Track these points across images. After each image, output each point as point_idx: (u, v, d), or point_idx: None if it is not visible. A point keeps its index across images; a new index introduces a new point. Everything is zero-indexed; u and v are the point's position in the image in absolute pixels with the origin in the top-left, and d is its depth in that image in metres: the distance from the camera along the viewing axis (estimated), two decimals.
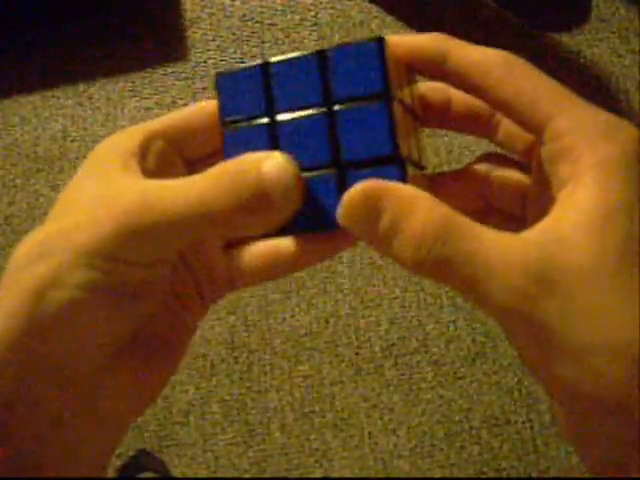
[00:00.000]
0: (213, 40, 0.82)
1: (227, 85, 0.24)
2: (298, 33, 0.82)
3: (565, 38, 0.79)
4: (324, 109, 0.23)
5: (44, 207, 0.78)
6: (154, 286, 0.23)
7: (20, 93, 0.82)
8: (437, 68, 0.24)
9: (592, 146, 0.21)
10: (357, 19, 0.81)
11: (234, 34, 0.82)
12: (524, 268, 0.19)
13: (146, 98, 0.81)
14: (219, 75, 0.24)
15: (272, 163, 0.21)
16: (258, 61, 0.23)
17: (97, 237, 0.21)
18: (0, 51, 0.83)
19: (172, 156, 0.26)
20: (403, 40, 0.24)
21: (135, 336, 0.23)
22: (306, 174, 0.23)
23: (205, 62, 0.81)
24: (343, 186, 0.22)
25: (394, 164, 0.22)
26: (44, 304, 0.20)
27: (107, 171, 0.24)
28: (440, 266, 0.20)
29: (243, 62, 0.81)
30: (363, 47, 0.22)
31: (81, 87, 0.82)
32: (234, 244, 0.27)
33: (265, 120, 0.23)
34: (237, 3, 0.83)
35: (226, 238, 0.27)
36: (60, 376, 0.21)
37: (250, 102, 0.23)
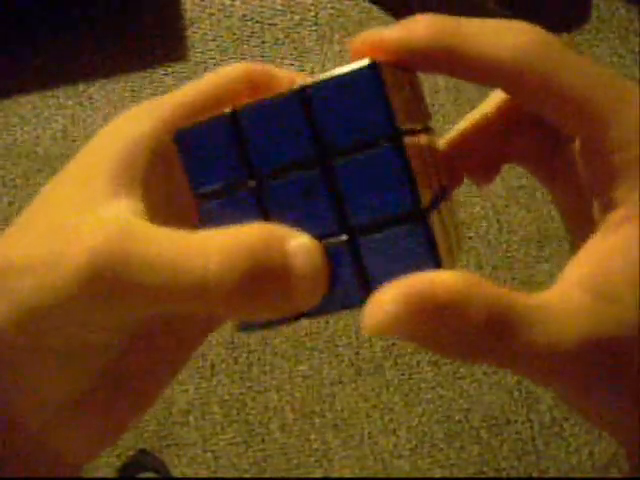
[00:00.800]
0: (213, 40, 0.82)
1: (190, 144, 0.18)
2: (298, 33, 0.82)
3: (565, 38, 0.79)
4: (318, 164, 0.17)
5: None
6: (115, 344, 0.19)
7: (20, 93, 0.82)
8: (441, 64, 0.19)
9: None
10: (357, 19, 0.81)
11: (234, 34, 0.82)
12: (581, 340, 0.16)
13: (146, 98, 0.81)
14: (178, 132, 0.18)
15: (299, 243, 0.17)
16: (226, 110, 0.18)
17: (41, 291, 0.16)
18: (0, 51, 0.83)
19: None
20: (389, 37, 0.19)
21: (102, 377, 0.20)
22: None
23: (205, 62, 0.81)
24: (358, 255, 0.17)
25: (415, 222, 0.17)
26: None
27: (91, 176, 0.18)
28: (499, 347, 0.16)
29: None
30: (352, 77, 0.17)
31: (81, 87, 0.82)
32: None
33: (248, 186, 0.18)
34: (237, 3, 0.83)
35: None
36: (8, 417, 0.18)
37: (223, 165, 0.18)
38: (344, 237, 0.17)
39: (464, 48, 0.18)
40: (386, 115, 0.17)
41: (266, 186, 0.18)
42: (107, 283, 0.16)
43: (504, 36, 0.19)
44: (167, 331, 0.21)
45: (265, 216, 0.18)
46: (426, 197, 0.17)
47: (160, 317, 0.21)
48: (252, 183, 0.18)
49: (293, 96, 0.17)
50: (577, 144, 0.19)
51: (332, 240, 0.17)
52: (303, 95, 0.17)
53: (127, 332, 0.19)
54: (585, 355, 0.16)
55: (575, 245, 0.21)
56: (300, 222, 0.17)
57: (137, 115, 0.20)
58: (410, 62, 0.19)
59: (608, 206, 0.18)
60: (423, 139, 0.19)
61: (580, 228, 0.20)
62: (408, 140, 0.17)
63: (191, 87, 0.21)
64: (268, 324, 0.18)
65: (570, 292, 0.17)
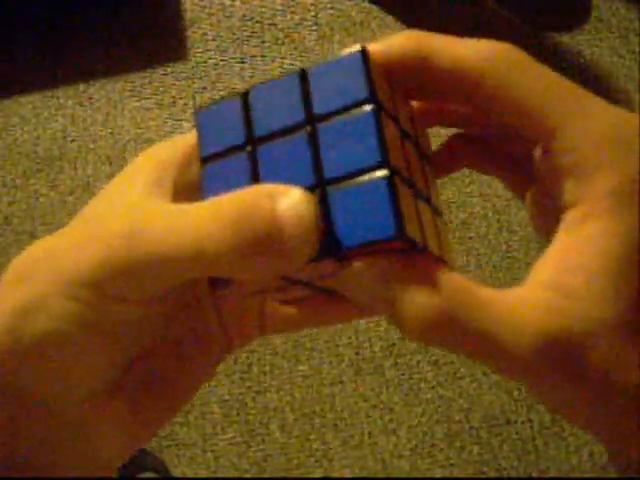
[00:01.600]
0: (213, 40, 0.82)
1: (206, 120, 0.22)
2: (298, 33, 0.82)
3: (565, 38, 0.79)
4: (304, 129, 0.20)
5: (44, 207, 0.78)
6: (150, 323, 0.21)
7: (20, 93, 0.82)
8: (417, 71, 0.21)
9: (607, 167, 0.18)
10: (357, 19, 0.81)
11: (234, 34, 0.82)
12: (538, 336, 0.18)
13: (146, 98, 0.81)
14: (198, 111, 0.22)
15: (289, 202, 0.18)
16: (240, 90, 0.21)
17: (81, 265, 0.19)
18: (0, 51, 0.83)
19: None
20: (373, 48, 0.21)
21: (130, 373, 0.21)
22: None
23: (205, 62, 0.82)
24: (327, 209, 0.19)
25: (382, 174, 0.19)
26: (21, 331, 0.18)
27: (128, 187, 0.21)
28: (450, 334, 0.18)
29: (243, 62, 0.81)
30: (344, 60, 0.20)
31: (81, 87, 0.82)
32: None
33: (245, 150, 0.21)
34: (237, 3, 0.83)
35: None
36: (42, 409, 0.19)
37: (230, 133, 0.21)
38: (324, 190, 0.20)
39: (435, 55, 0.21)
40: (368, 89, 0.20)
41: (260, 150, 0.21)
42: (123, 257, 0.18)
43: (471, 48, 0.20)
44: (193, 340, 0.23)
45: (253, 174, 0.21)
46: (396, 162, 0.20)
47: (186, 321, 0.23)
48: (249, 148, 0.21)
49: (295, 74, 0.21)
50: (538, 151, 0.20)
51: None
52: (303, 73, 0.21)
53: (165, 302, 0.21)
54: (542, 348, 0.18)
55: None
56: (282, 180, 0.20)
57: (171, 142, 0.23)
58: (390, 69, 0.21)
59: (565, 206, 0.19)
60: (397, 133, 0.22)
61: (548, 232, 0.21)
62: (385, 115, 0.20)
63: None
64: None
65: (533, 289, 0.19)
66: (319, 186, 0.20)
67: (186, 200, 0.21)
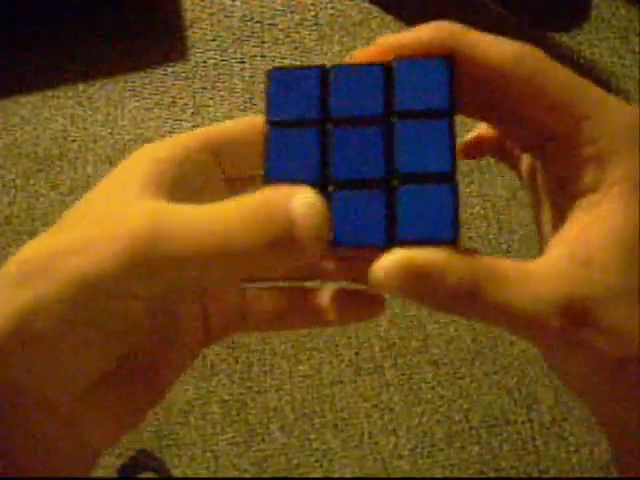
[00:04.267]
0: (213, 40, 0.82)
1: (280, 82, 0.22)
2: (298, 33, 0.82)
3: (565, 38, 0.79)
4: (382, 121, 0.21)
5: (44, 207, 0.78)
6: (147, 318, 0.22)
7: (20, 93, 0.82)
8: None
9: (624, 155, 0.20)
10: (357, 19, 0.81)
11: (234, 34, 0.82)
12: (552, 301, 0.19)
13: (146, 98, 0.81)
14: (273, 70, 0.22)
15: (302, 200, 0.20)
16: (315, 63, 0.22)
17: (92, 266, 0.19)
18: (0, 51, 0.83)
19: (213, 171, 0.24)
20: (403, 36, 0.22)
21: (120, 363, 0.22)
22: (347, 190, 0.21)
23: (205, 62, 0.81)
24: (393, 202, 0.21)
25: (448, 183, 0.20)
26: (24, 331, 0.19)
27: (125, 185, 0.22)
28: (471, 307, 0.20)
29: (243, 62, 0.81)
30: (431, 62, 0.21)
31: (81, 87, 0.82)
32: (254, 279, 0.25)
33: (318, 125, 0.22)
34: (237, 3, 0.83)
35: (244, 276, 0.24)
36: (40, 401, 0.20)
37: (303, 104, 0.22)
38: (391, 183, 0.21)
39: (465, 49, 0.22)
40: (448, 100, 0.21)
41: (332, 130, 0.21)
42: (147, 256, 0.19)
43: (503, 42, 0.22)
44: (175, 332, 0.24)
45: (322, 153, 0.21)
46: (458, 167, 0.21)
47: (170, 312, 0.24)
48: (321, 125, 0.21)
49: (380, 65, 0.21)
50: (551, 145, 0.22)
51: (370, 186, 0.21)
52: (388, 65, 0.21)
53: (159, 305, 0.22)
54: (562, 314, 0.19)
55: (542, 240, 0.25)
56: (351, 165, 0.21)
57: (167, 142, 0.24)
58: (412, 54, 0.22)
59: (583, 192, 0.21)
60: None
61: (551, 222, 0.24)
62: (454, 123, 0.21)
63: (216, 126, 0.25)
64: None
65: (552, 259, 0.20)
66: (388, 178, 0.21)
67: (182, 200, 0.21)
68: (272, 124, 0.22)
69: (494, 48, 0.21)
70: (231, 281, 0.24)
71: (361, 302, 0.25)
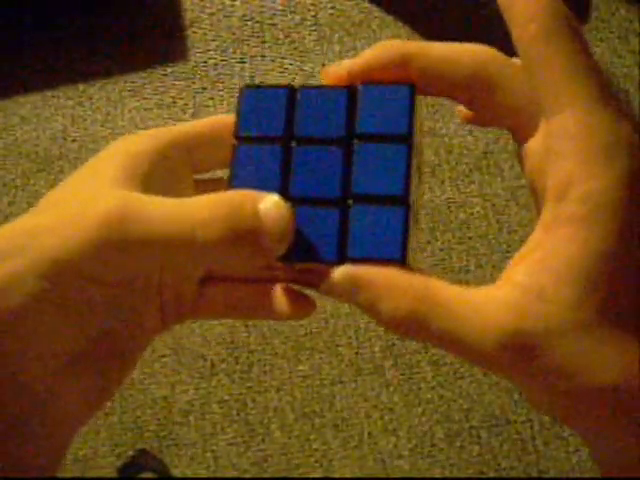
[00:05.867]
0: (213, 40, 0.82)
1: (251, 99, 0.23)
2: (298, 33, 0.82)
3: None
4: (343, 142, 0.22)
5: None
6: (114, 303, 0.22)
7: (20, 93, 0.82)
8: (402, 69, 0.22)
9: (585, 170, 0.19)
10: (357, 19, 0.81)
11: (234, 34, 0.82)
12: (499, 335, 0.19)
13: (146, 98, 0.81)
14: (245, 87, 0.23)
15: (270, 203, 0.21)
16: (284, 83, 0.23)
17: (62, 246, 0.19)
18: (0, 51, 0.83)
19: (183, 168, 0.25)
20: (353, 63, 0.23)
21: (89, 343, 0.22)
22: (305, 206, 0.22)
23: (205, 62, 0.81)
24: (345, 221, 0.22)
25: (402, 206, 0.21)
26: None
27: (99, 173, 0.22)
28: (417, 331, 0.20)
29: (243, 62, 0.81)
30: (394, 88, 0.22)
31: (81, 87, 0.82)
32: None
33: (281, 143, 0.23)
34: (237, 3, 0.83)
35: (205, 268, 0.26)
36: (13, 379, 0.20)
37: (270, 122, 0.23)
38: (346, 202, 0.22)
39: (421, 69, 0.22)
40: (407, 126, 0.21)
41: (295, 148, 0.22)
42: (117, 238, 0.19)
43: (456, 56, 0.22)
44: (135, 316, 0.25)
45: (283, 170, 0.22)
46: (411, 194, 0.22)
47: (131, 296, 0.24)
48: (285, 143, 0.23)
49: (345, 88, 0.22)
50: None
51: (326, 205, 0.22)
52: (353, 89, 0.22)
53: (128, 289, 0.23)
54: (504, 347, 0.19)
55: None
56: (309, 183, 0.22)
57: (140, 136, 0.24)
58: (373, 69, 0.23)
59: (544, 201, 0.20)
60: (415, 166, 0.23)
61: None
62: (415, 149, 0.22)
63: (188, 123, 0.26)
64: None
65: (503, 287, 0.20)
66: (343, 197, 0.22)
67: (155, 193, 0.22)
68: (239, 139, 0.23)
69: (448, 66, 0.22)
70: (192, 271, 0.25)
71: (304, 300, 0.26)
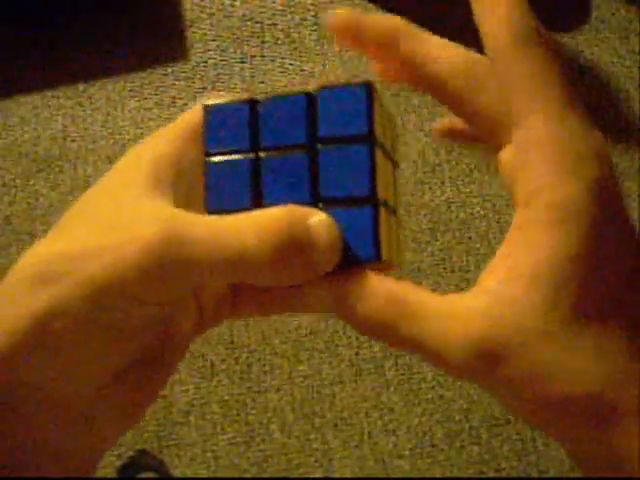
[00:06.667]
0: (213, 40, 0.82)
1: (215, 116, 0.23)
2: (298, 33, 0.82)
3: (565, 38, 0.79)
4: (307, 148, 0.22)
5: (44, 207, 0.78)
6: (156, 320, 0.22)
7: (20, 93, 0.82)
8: (390, 53, 0.23)
9: (554, 178, 0.19)
10: None
11: (234, 34, 0.82)
12: (467, 342, 0.19)
13: (146, 98, 0.81)
14: (207, 107, 0.24)
15: (319, 220, 0.21)
16: (245, 97, 0.23)
17: (108, 271, 0.19)
18: (0, 51, 0.83)
19: (201, 157, 0.24)
20: (364, 20, 0.23)
21: (131, 360, 0.22)
22: None
23: (205, 62, 0.81)
24: None
25: (369, 205, 0.22)
26: (42, 331, 0.19)
27: (129, 185, 0.22)
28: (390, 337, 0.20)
29: (243, 62, 0.81)
30: (351, 89, 0.22)
31: (81, 87, 0.82)
32: None
33: (249, 156, 0.23)
34: (237, 3, 0.83)
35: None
36: (55, 400, 0.20)
37: (236, 136, 0.23)
38: (317, 207, 0.22)
39: (418, 55, 0.23)
40: (367, 126, 0.22)
41: (263, 159, 0.23)
42: (163, 263, 0.19)
43: (447, 53, 0.22)
44: (174, 323, 0.24)
45: (254, 181, 0.23)
46: (381, 192, 0.22)
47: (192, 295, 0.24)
48: (252, 155, 0.23)
49: (303, 95, 0.22)
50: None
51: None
52: (311, 95, 0.22)
53: (180, 304, 0.23)
54: (470, 355, 0.19)
55: None
56: (280, 190, 0.22)
57: (159, 137, 0.24)
58: (364, 37, 0.23)
59: (516, 205, 0.21)
60: (388, 163, 0.24)
61: None
62: (377, 146, 0.22)
63: (186, 116, 0.25)
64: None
65: (476, 294, 0.20)
66: (314, 202, 0.22)
67: (185, 193, 0.22)
68: (209, 156, 0.23)
69: (435, 65, 0.22)
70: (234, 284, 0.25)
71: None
